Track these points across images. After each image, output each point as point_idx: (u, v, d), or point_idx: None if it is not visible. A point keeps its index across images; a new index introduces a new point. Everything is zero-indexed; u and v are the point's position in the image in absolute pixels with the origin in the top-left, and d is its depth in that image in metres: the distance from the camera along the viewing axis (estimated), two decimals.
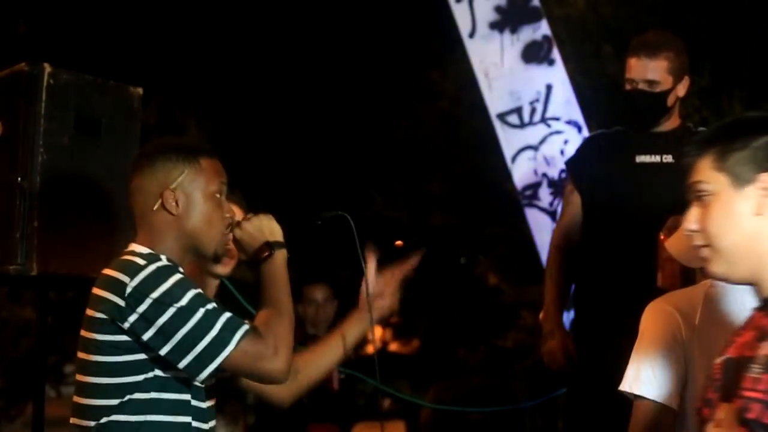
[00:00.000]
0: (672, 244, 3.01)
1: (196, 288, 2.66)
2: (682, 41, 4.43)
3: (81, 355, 2.73)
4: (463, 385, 7.02)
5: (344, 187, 13.13)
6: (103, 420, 2.66)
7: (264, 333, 2.65)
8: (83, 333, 2.71)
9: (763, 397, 2.05)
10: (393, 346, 16.12)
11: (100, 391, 2.68)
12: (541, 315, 4.51)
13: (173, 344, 2.60)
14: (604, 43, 8.63)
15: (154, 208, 2.77)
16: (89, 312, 2.69)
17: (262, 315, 2.74)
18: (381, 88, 13.26)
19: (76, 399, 2.73)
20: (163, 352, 2.61)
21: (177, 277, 2.64)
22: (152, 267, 2.64)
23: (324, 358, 3.18)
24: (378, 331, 17.11)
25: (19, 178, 3.50)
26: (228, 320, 2.63)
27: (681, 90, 4.35)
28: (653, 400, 2.80)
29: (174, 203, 2.76)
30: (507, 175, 6.28)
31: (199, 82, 12.55)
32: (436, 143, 12.01)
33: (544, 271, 4.61)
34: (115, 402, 2.65)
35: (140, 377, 2.65)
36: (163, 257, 2.71)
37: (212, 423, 2.81)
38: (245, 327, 2.65)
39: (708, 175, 2.23)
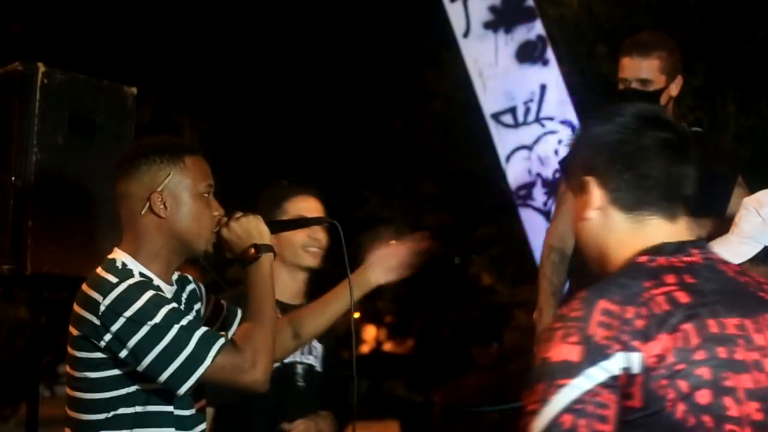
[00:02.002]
0: None
1: (169, 303, 2.64)
2: (674, 41, 4.44)
3: (68, 370, 2.73)
4: (477, 382, 7.01)
5: (338, 187, 13.14)
6: None
7: (242, 345, 2.64)
8: (68, 349, 2.71)
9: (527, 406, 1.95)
10: (387, 346, 16.13)
11: (88, 407, 2.69)
12: (534, 315, 4.51)
13: (149, 362, 2.58)
14: (598, 44, 8.64)
15: (142, 212, 2.74)
16: (71, 328, 2.69)
17: (244, 324, 2.74)
18: (375, 87, 13.27)
19: (68, 412, 2.74)
20: (140, 369, 2.61)
21: (149, 294, 2.61)
22: (124, 285, 2.62)
23: (321, 315, 3.13)
24: (372, 331, 17.07)
25: (13, 178, 3.50)
26: (203, 335, 2.61)
27: (674, 89, 4.35)
28: None
29: (162, 206, 2.73)
30: (501, 175, 6.28)
31: (193, 82, 12.55)
32: (431, 143, 12.02)
33: (538, 271, 4.61)
34: (102, 417, 2.67)
35: (123, 391, 2.66)
36: (136, 273, 2.69)
37: (200, 427, 2.81)
38: (221, 341, 2.62)
39: (567, 177, 2.22)
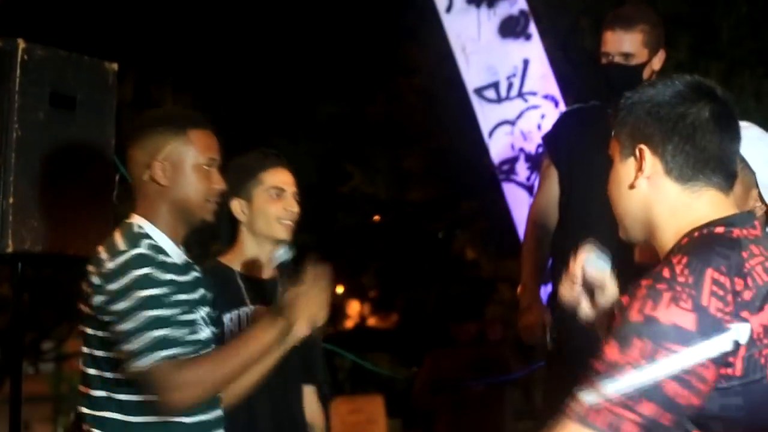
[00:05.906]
0: None
1: (159, 287, 2.72)
2: (657, 15, 4.44)
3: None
4: (459, 356, 7.02)
5: (322, 162, 13.12)
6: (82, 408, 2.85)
7: (188, 369, 2.68)
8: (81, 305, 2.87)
9: None
10: (371, 321, 16.16)
11: (84, 379, 2.87)
12: (518, 289, 4.52)
13: (116, 330, 2.71)
14: (581, 18, 8.63)
15: (145, 178, 2.87)
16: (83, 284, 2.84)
17: (212, 353, 2.81)
18: (357, 62, 13.24)
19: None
20: (112, 330, 2.74)
21: (142, 271, 2.72)
22: (127, 255, 2.74)
23: (222, 369, 2.79)
24: (356, 306, 17.10)
25: None
26: (165, 336, 2.68)
27: (657, 63, 4.35)
28: None
29: (162, 174, 2.85)
30: (484, 150, 6.29)
31: (175, 57, 12.50)
32: (413, 118, 12.00)
33: (521, 246, 4.62)
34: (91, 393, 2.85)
35: (111, 353, 2.78)
36: (142, 244, 2.78)
37: (147, 418, 2.79)
38: (173, 352, 2.67)
39: (612, 139, 2.18)
